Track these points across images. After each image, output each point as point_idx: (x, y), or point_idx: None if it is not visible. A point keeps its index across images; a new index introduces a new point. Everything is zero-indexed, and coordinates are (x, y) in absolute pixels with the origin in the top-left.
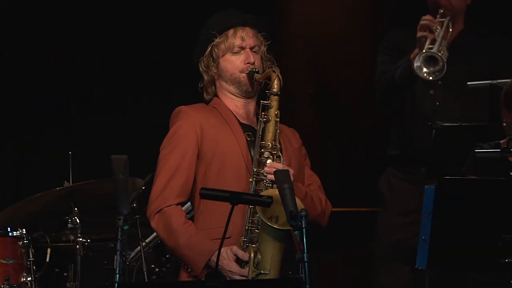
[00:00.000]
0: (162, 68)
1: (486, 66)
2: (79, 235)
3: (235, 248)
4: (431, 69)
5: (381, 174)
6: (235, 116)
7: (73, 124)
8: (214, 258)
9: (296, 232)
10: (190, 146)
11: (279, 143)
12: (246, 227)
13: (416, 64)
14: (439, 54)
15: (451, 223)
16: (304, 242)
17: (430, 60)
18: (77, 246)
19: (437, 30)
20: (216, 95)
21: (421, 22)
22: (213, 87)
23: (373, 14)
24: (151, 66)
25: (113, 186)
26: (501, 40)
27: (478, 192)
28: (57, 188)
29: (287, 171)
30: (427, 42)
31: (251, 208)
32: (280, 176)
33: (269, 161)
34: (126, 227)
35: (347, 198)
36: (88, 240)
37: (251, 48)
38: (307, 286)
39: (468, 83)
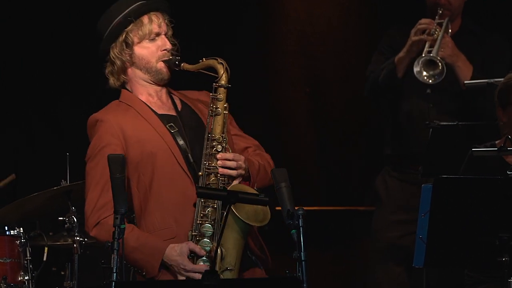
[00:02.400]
0: None
1: (482, 65)
2: (76, 234)
3: (191, 244)
4: (431, 72)
5: (377, 173)
6: (151, 109)
7: (70, 122)
8: (165, 257)
9: (293, 231)
10: None
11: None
12: (198, 221)
13: (416, 69)
14: (438, 58)
15: (448, 222)
16: (301, 240)
17: (429, 64)
18: (74, 245)
19: (436, 32)
20: (124, 83)
21: (418, 27)
22: (123, 75)
23: (366, 11)
24: None
25: (110, 185)
26: (497, 38)
27: (475, 190)
28: (55, 187)
29: (284, 169)
30: (427, 45)
31: (202, 201)
32: (277, 175)
33: (220, 154)
34: (123, 226)
35: (342, 197)
36: (85, 239)
37: (165, 34)
38: (305, 285)
39: (465, 81)
